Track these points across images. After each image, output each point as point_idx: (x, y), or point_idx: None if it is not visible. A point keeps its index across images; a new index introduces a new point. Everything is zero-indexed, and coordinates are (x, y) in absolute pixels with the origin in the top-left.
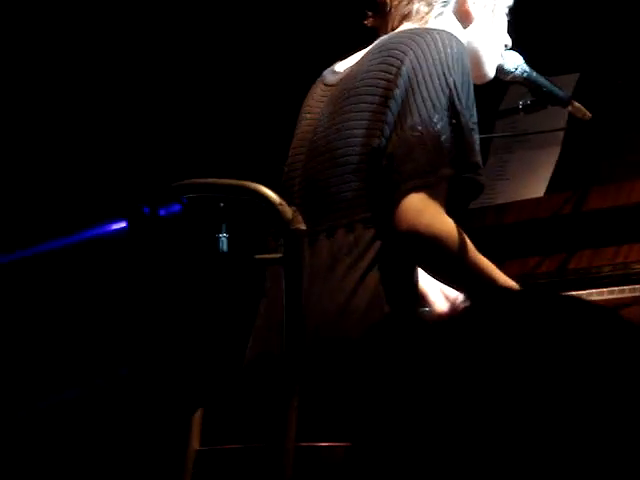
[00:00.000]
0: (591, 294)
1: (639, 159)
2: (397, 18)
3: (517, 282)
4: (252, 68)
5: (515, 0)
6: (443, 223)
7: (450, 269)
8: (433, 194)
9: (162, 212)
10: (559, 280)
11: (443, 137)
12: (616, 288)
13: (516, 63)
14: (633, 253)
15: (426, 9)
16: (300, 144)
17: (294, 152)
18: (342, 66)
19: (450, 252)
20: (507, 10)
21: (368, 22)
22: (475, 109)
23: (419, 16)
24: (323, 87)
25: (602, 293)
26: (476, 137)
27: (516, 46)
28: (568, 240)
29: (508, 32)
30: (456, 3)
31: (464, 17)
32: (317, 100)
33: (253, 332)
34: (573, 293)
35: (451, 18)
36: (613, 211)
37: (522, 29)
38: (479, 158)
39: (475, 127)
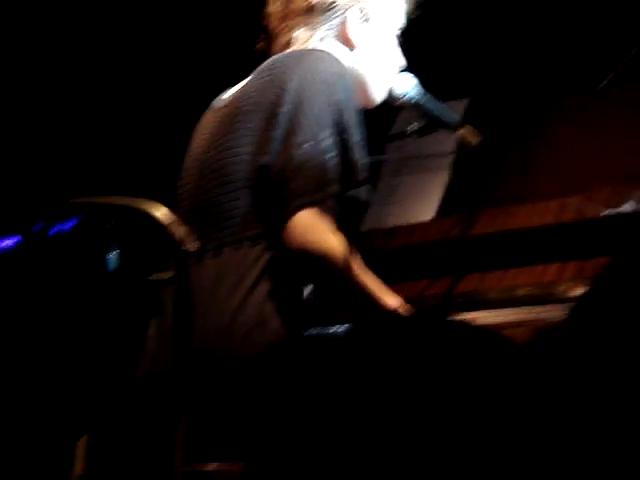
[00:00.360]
0: (478, 317)
1: (526, 184)
2: (282, 43)
3: (406, 304)
4: (146, 90)
5: (406, 24)
6: (330, 240)
7: (338, 285)
8: (321, 211)
9: (53, 230)
10: (447, 303)
11: (330, 154)
12: (501, 311)
13: (408, 87)
14: (519, 277)
15: (308, 34)
16: (191, 166)
17: (185, 174)
18: (230, 91)
19: (337, 269)
20: (397, 32)
21: (259, 46)
22: (360, 127)
23: (301, 41)
24: (212, 112)
25: (488, 316)
26: (362, 154)
27: (408, 71)
28: (456, 263)
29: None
30: (338, 28)
31: (348, 42)
32: (207, 124)
33: (143, 352)
34: (461, 316)
35: (334, 43)
36: (500, 235)
37: (414, 54)
38: (365, 175)
39: (361, 145)
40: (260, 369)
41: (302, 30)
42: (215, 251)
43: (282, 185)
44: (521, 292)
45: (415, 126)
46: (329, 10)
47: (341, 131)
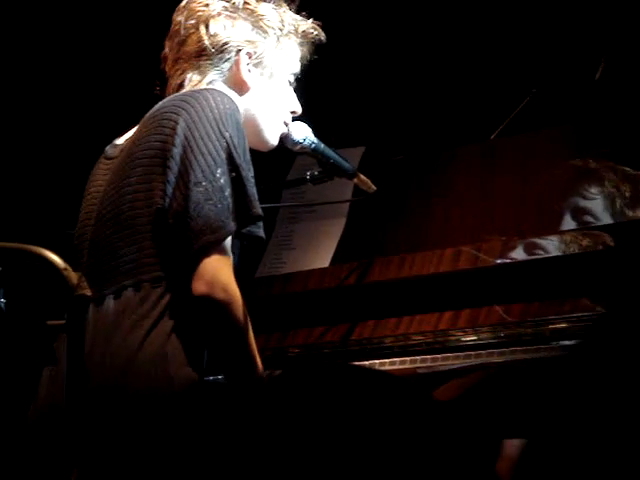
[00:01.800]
0: (374, 364)
1: (420, 232)
2: (174, 86)
3: (303, 351)
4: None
5: (303, 73)
6: (236, 288)
7: (229, 335)
8: (224, 252)
9: None
10: (342, 350)
11: (227, 192)
12: (397, 359)
13: (304, 134)
14: (414, 325)
15: (198, 77)
16: (87, 215)
17: (82, 223)
18: (122, 139)
19: (235, 319)
20: (292, 78)
21: (156, 91)
22: (250, 163)
23: (192, 84)
24: (105, 161)
25: (384, 364)
26: (254, 190)
27: (304, 118)
28: (352, 310)
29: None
30: (230, 72)
31: (240, 85)
32: (101, 174)
33: (35, 399)
34: (356, 363)
35: (224, 86)
36: (395, 283)
37: (310, 101)
38: (260, 210)
39: (253, 180)
40: (160, 410)
41: (193, 74)
42: (116, 294)
43: (182, 226)
44: (416, 340)
45: (312, 173)
46: (220, 53)
47: (234, 167)
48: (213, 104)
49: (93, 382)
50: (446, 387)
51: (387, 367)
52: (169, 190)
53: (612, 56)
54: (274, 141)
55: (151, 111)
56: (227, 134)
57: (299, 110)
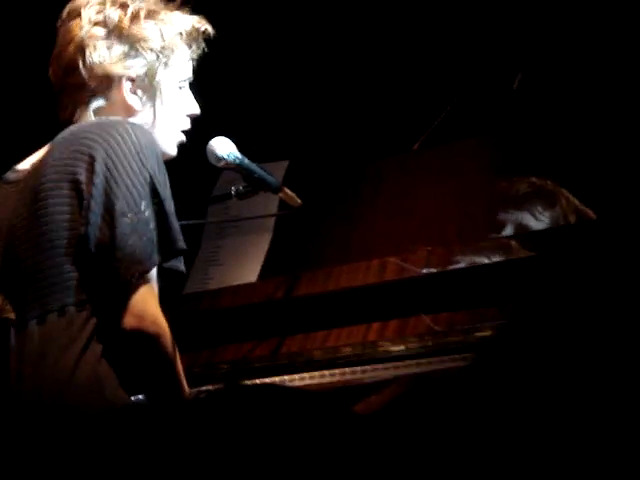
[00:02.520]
0: (303, 378)
1: (346, 245)
2: (65, 116)
3: (232, 367)
4: None
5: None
6: (163, 319)
7: (162, 363)
8: (150, 284)
9: None
10: (272, 364)
11: (152, 224)
12: (327, 372)
13: (228, 149)
14: (342, 337)
15: (85, 109)
16: None
17: None
18: (24, 164)
19: (164, 350)
20: (184, 83)
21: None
22: (171, 196)
23: (78, 116)
24: (6, 186)
25: (314, 377)
26: (177, 223)
27: (228, 132)
28: (281, 325)
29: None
30: (115, 97)
31: (127, 110)
32: (2, 198)
33: None
34: (285, 377)
35: (113, 110)
36: (323, 296)
37: (234, 116)
38: (184, 244)
39: (174, 213)
40: (98, 434)
41: (80, 107)
42: (39, 319)
43: (107, 257)
44: (345, 352)
45: (237, 188)
46: (100, 84)
47: (157, 201)
48: (134, 137)
49: (24, 407)
50: (371, 400)
51: (316, 380)
52: (92, 219)
53: (529, 66)
54: (172, 151)
55: (60, 137)
56: (149, 166)
57: (197, 111)
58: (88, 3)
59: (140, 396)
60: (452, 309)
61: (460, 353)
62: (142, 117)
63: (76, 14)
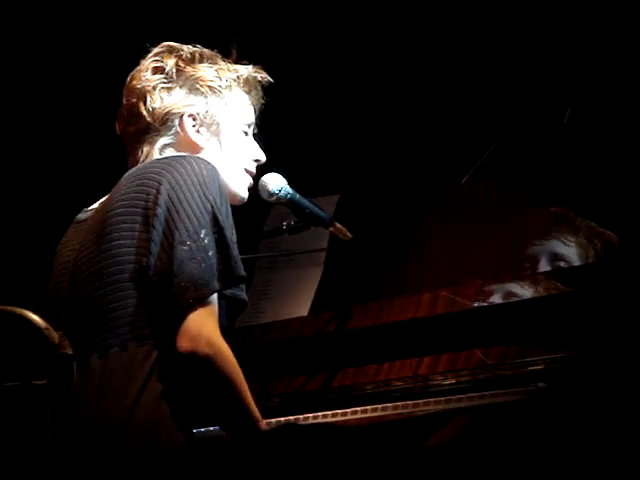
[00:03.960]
0: (355, 412)
1: (397, 278)
2: (131, 164)
3: (282, 401)
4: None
5: (259, 118)
6: (221, 341)
7: (224, 386)
8: (208, 308)
9: None
10: (323, 398)
11: (211, 252)
12: (379, 406)
13: (279, 184)
14: (394, 370)
15: (148, 148)
16: (61, 273)
17: (55, 281)
18: (94, 205)
19: (227, 371)
20: (248, 127)
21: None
22: (233, 226)
23: (144, 156)
24: (76, 225)
25: (365, 411)
26: (237, 252)
27: (278, 168)
28: (332, 358)
29: (268, 154)
30: (178, 137)
31: (192, 148)
32: (72, 236)
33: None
34: (338, 411)
35: (178, 148)
36: (374, 329)
37: (284, 151)
38: (244, 272)
39: (236, 243)
40: (157, 476)
41: (144, 147)
42: (101, 353)
43: (166, 284)
44: (396, 385)
45: (289, 223)
46: (163, 124)
47: (218, 229)
48: (197, 168)
49: (83, 444)
50: (431, 434)
51: (368, 414)
52: (154, 249)
53: (579, 101)
54: (243, 194)
55: (128, 174)
56: (211, 197)
57: (262, 158)
58: (146, 57)
59: (216, 427)
60: (504, 343)
61: (512, 387)
62: (207, 155)
63: (136, 70)
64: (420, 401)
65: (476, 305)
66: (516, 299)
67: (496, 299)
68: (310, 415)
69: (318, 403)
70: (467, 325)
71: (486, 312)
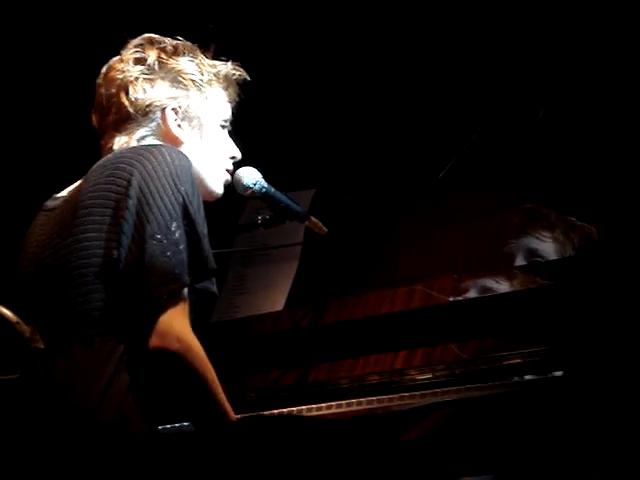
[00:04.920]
0: (330, 406)
1: (373, 272)
2: (106, 151)
3: (258, 396)
4: None
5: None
6: (192, 337)
7: (194, 382)
8: (179, 303)
9: None
10: (299, 393)
11: (182, 245)
12: (354, 400)
13: (254, 178)
14: (369, 365)
15: (126, 138)
16: (27, 264)
17: (23, 274)
18: (63, 192)
19: (197, 367)
20: (226, 123)
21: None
22: (205, 219)
23: (120, 144)
24: (45, 213)
25: (341, 405)
26: (209, 245)
27: (253, 162)
28: (308, 353)
29: (243, 148)
30: (159, 129)
31: (173, 141)
32: (40, 225)
33: None
34: (313, 406)
35: (157, 142)
36: (349, 323)
37: (259, 146)
38: (214, 265)
39: (207, 236)
40: (124, 470)
41: (121, 136)
42: (65, 349)
43: (137, 277)
44: (372, 380)
45: (264, 217)
46: (144, 115)
47: (189, 222)
48: (169, 159)
49: (51, 439)
50: (407, 429)
51: (343, 408)
52: (124, 241)
53: (554, 95)
54: (219, 190)
55: (98, 164)
56: (182, 189)
57: (238, 155)
58: (125, 48)
59: (185, 423)
60: (479, 337)
61: (488, 381)
62: (187, 149)
63: (115, 61)
64: (396, 395)
65: (452, 299)
66: (492, 293)
67: (472, 293)
68: (285, 410)
69: (294, 398)
70: (442, 319)
71: (461, 306)
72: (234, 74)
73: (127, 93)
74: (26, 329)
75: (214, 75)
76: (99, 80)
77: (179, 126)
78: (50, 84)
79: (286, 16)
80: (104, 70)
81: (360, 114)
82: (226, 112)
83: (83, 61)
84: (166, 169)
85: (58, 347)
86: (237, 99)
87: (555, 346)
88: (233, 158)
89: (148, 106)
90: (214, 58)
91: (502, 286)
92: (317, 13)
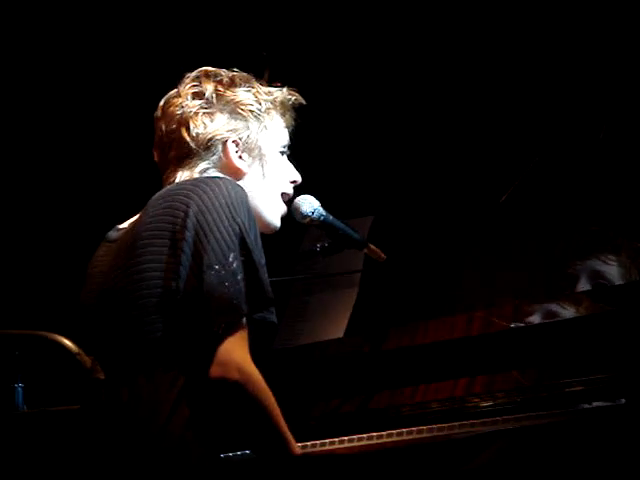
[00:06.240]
0: (391, 434)
1: (433, 299)
2: (167, 183)
3: (319, 423)
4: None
5: (293, 139)
6: (252, 367)
7: (255, 412)
8: (238, 333)
9: None
10: (359, 421)
11: (239, 275)
12: (414, 428)
13: (312, 206)
14: (430, 392)
15: (189, 172)
16: (89, 295)
17: (84, 305)
18: (124, 224)
19: (257, 396)
20: (284, 149)
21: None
22: (262, 250)
23: (182, 178)
24: (107, 244)
25: (401, 434)
26: (266, 275)
27: (311, 189)
28: (368, 381)
29: (303, 177)
30: (221, 162)
31: (235, 173)
32: (102, 256)
33: None
34: (373, 434)
35: (219, 174)
36: (409, 351)
37: (317, 173)
38: (272, 295)
39: (265, 266)
40: None
41: (183, 171)
42: (128, 379)
43: (196, 308)
44: (432, 407)
45: (323, 245)
46: (206, 149)
47: (246, 252)
48: (225, 190)
49: (112, 472)
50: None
51: (405, 437)
52: (182, 273)
53: (613, 119)
54: (277, 222)
55: (157, 195)
56: (239, 219)
57: (299, 179)
58: (182, 83)
59: (247, 451)
60: (541, 364)
61: (549, 409)
62: (249, 182)
63: (173, 96)
64: (456, 423)
65: (512, 326)
66: (553, 319)
67: (532, 319)
68: (346, 438)
69: (354, 425)
70: (503, 346)
71: (522, 332)
72: (290, 99)
73: (188, 128)
74: (87, 360)
75: (271, 103)
76: (157, 114)
77: (240, 157)
78: (117, 117)
79: (349, 47)
80: (162, 104)
81: (419, 140)
82: (284, 138)
83: (145, 93)
84: (222, 200)
85: (120, 378)
86: (294, 123)
87: (618, 373)
88: (294, 182)
89: (209, 140)
90: (270, 84)
91: (564, 311)
92: (377, 47)
